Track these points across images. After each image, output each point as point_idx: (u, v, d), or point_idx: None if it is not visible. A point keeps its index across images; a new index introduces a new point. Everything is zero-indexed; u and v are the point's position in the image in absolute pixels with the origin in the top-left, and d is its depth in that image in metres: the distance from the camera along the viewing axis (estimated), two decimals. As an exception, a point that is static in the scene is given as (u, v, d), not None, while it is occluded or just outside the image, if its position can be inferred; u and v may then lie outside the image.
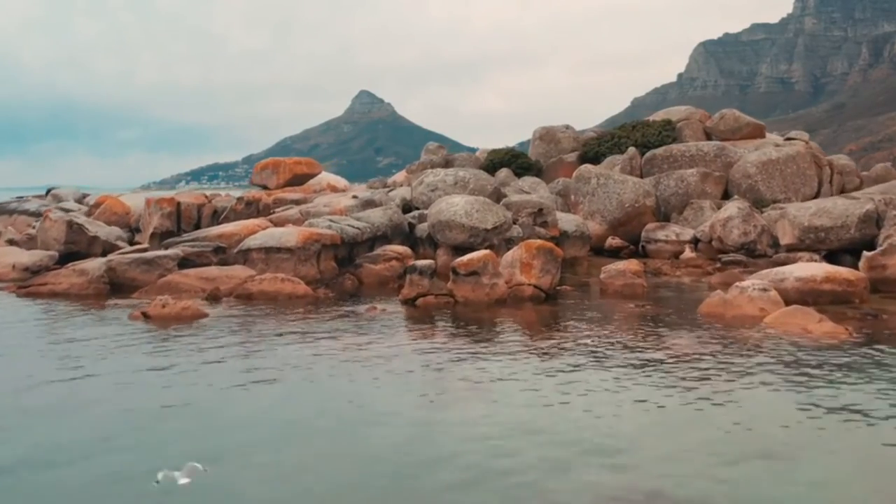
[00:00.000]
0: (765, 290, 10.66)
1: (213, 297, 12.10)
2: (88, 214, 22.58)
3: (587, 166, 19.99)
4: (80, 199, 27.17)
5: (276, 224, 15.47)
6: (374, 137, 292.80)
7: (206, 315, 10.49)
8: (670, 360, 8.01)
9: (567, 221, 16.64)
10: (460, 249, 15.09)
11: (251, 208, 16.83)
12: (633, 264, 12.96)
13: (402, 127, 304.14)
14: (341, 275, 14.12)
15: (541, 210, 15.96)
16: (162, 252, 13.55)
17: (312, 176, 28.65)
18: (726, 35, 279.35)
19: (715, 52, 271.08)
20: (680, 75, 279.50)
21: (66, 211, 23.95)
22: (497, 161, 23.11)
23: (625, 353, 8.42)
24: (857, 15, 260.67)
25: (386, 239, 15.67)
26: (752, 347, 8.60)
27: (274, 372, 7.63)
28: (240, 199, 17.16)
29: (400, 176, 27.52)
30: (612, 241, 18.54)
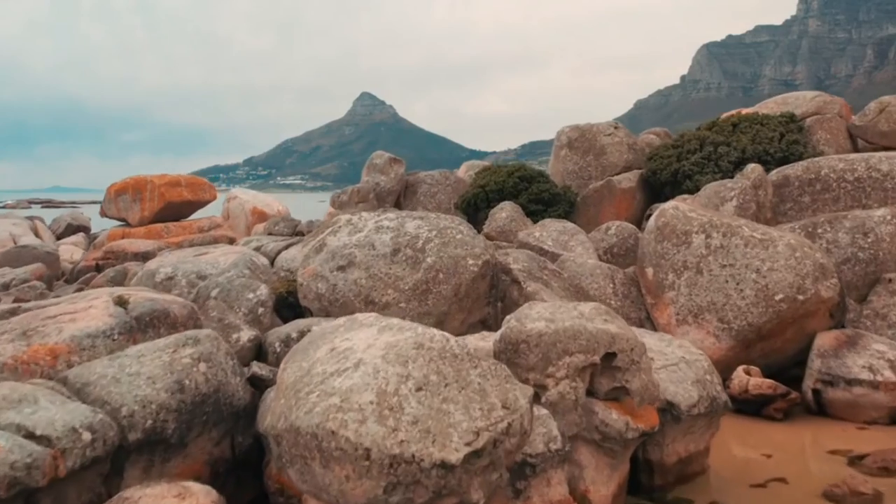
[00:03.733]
0: None
1: None
2: None
3: (681, 208, 9.54)
4: None
5: None
6: (375, 139, 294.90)
7: None
8: None
9: (675, 378, 6.18)
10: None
11: None
12: None
13: (403, 129, 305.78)
14: None
15: (611, 357, 5.63)
16: None
17: (201, 205, 18.31)
18: (729, 37, 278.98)
19: (718, 54, 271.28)
20: (683, 77, 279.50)
21: None
22: (493, 189, 12.57)
23: None
24: (862, 17, 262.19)
25: (181, 444, 5.36)
26: None
27: None
28: None
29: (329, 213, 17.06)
30: (754, 382, 8.23)
